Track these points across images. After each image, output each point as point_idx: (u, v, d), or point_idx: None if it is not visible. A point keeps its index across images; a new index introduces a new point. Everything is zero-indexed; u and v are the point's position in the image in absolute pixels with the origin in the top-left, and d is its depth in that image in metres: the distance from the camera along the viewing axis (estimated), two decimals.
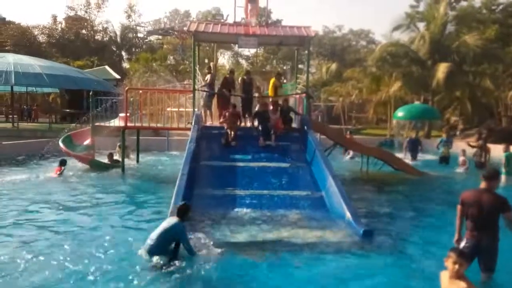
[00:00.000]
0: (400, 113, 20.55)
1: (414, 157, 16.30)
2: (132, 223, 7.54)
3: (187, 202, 6.19)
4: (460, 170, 14.17)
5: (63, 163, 12.36)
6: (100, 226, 7.33)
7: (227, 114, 11.15)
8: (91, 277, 5.13)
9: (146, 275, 5.24)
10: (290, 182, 9.25)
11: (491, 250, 5.02)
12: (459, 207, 5.20)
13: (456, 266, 3.92)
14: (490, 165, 13.05)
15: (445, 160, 15.55)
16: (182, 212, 5.90)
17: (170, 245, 5.71)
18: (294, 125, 12.07)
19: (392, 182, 12.39)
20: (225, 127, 11.08)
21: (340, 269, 5.57)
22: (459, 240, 5.15)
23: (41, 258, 5.73)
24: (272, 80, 12.97)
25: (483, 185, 5.09)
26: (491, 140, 15.23)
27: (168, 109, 13.28)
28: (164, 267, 5.42)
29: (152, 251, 5.60)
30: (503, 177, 10.89)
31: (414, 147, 16.62)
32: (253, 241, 6.49)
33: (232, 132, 10.84)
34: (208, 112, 12.72)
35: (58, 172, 12.05)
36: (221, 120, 11.39)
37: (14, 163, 14.19)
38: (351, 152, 16.55)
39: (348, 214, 7.37)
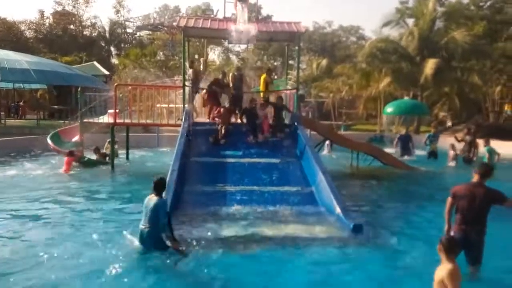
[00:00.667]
0: (389, 108, 20.68)
1: (405, 154, 16.06)
2: (122, 220, 7.50)
3: (162, 176, 5.99)
4: (451, 164, 14.46)
5: (71, 153, 12.36)
6: (89, 223, 7.29)
7: (222, 110, 11.05)
8: (80, 272, 5.11)
9: (135, 270, 5.24)
10: (280, 178, 9.26)
11: (479, 244, 5.11)
12: (449, 199, 5.27)
13: (447, 255, 4.03)
14: (477, 160, 13.27)
15: (434, 155, 15.74)
16: (159, 187, 5.76)
17: (164, 224, 5.65)
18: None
19: (381, 177, 12.50)
20: (218, 123, 10.97)
21: (329, 263, 5.62)
22: (449, 230, 5.23)
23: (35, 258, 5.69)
24: (263, 76, 12.96)
25: (476, 179, 5.18)
26: (479, 135, 15.40)
27: (158, 105, 13.20)
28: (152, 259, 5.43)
29: (150, 235, 5.60)
30: None
31: (405, 143, 16.42)
32: (243, 237, 6.50)
33: (223, 130, 10.68)
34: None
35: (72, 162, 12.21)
36: (215, 114, 11.21)
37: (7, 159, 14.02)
38: (325, 149, 16.81)
39: (338, 209, 7.42)
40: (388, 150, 15.12)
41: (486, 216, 5.11)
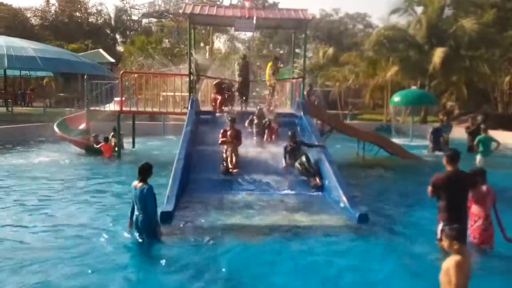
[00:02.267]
0: (396, 98, 20.55)
1: (437, 148, 14.42)
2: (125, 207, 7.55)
3: (148, 161, 5.76)
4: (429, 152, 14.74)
5: (106, 139, 12.85)
6: (96, 210, 7.36)
7: (228, 133, 9.39)
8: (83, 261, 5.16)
9: (137, 259, 5.32)
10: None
11: (466, 228, 5.32)
12: (430, 188, 5.40)
13: (450, 246, 3.96)
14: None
15: (446, 145, 15.55)
16: (144, 172, 5.58)
17: (153, 211, 5.59)
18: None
19: (388, 167, 12.43)
20: (224, 149, 9.34)
21: (335, 252, 5.63)
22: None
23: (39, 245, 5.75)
24: (269, 64, 12.87)
25: (451, 167, 5.34)
26: (486, 125, 15.22)
27: (164, 93, 13.18)
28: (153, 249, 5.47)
29: (143, 222, 5.59)
30: (478, 158, 11.44)
31: (437, 137, 14.85)
32: (248, 225, 6.53)
33: (234, 157, 9.07)
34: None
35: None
36: (221, 139, 9.48)
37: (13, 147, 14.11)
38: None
39: (344, 199, 7.42)
40: (396, 140, 15.03)
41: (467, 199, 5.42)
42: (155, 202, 5.63)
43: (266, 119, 10.57)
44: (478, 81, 27.90)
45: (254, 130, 10.35)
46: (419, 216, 7.46)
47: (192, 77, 11.83)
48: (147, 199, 5.49)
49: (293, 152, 9.00)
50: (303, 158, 8.81)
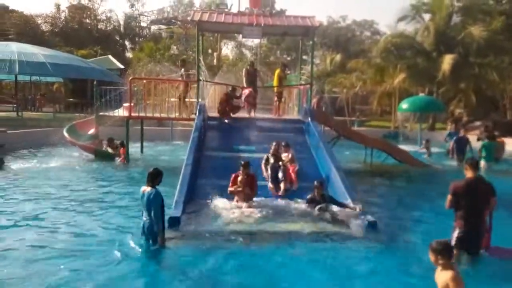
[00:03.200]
0: (404, 105, 20.50)
1: (461, 159, 12.63)
2: (135, 213, 7.60)
3: (157, 167, 5.80)
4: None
5: (122, 144, 13.01)
6: (103, 216, 7.41)
7: (238, 178, 7.78)
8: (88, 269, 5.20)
9: (141, 265, 5.36)
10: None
11: (481, 235, 5.36)
12: (449, 197, 5.33)
13: (439, 260, 3.96)
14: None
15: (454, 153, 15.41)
16: (153, 177, 5.63)
17: (156, 216, 5.56)
18: None
19: (395, 174, 12.39)
20: (234, 195, 7.77)
21: (342, 259, 5.61)
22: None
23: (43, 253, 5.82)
24: (277, 71, 12.96)
25: (472, 173, 5.32)
26: (497, 133, 15.12)
27: (172, 99, 13.29)
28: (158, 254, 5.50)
29: (149, 227, 5.61)
30: (482, 163, 11.49)
31: (461, 146, 13.76)
32: (255, 231, 6.53)
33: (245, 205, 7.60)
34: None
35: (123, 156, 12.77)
36: (230, 187, 7.84)
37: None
38: None
39: (351, 206, 7.40)
40: (403, 146, 14.97)
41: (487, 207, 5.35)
42: (162, 209, 5.63)
43: (283, 161, 8.88)
44: (486, 89, 27.74)
45: (269, 173, 8.63)
46: (428, 223, 7.43)
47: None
48: (152, 204, 5.51)
49: (317, 204, 7.50)
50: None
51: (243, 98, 12.26)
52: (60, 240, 6.10)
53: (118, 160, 12.98)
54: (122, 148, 13.09)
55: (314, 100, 14.93)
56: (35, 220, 7.04)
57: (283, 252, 5.79)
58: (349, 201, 7.55)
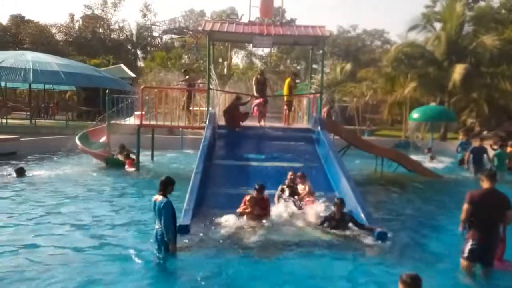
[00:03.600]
0: (415, 114, 20.34)
1: (478, 170, 12.28)
2: (146, 220, 7.64)
3: (169, 176, 5.87)
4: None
5: (128, 156, 13.15)
6: (114, 222, 7.46)
7: (247, 199, 7.32)
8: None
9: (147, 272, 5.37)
10: None
11: (495, 247, 5.27)
12: (467, 206, 5.18)
13: None
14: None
15: (465, 163, 15.21)
16: (164, 186, 5.68)
17: (166, 225, 5.59)
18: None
19: (406, 184, 12.27)
20: (244, 215, 7.23)
21: (352, 270, 5.56)
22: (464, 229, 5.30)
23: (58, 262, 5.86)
24: (288, 80, 13.00)
25: (488, 184, 5.20)
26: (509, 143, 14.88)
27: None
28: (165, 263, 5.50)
29: (161, 235, 5.63)
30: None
31: (479, 157, 13.35)
32: (264, 241, 6.49)
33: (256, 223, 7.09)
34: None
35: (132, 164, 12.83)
36: (241, 207, 7.34)
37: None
38: None
39: (362, 216, 7.33)
40: (414, 157, 14.82)
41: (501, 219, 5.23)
42: (173, 218, 5.65)
43: (299, 194, 8.11)
44: (499, 98, 27.40)
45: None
46: (440, 234, 7.33)
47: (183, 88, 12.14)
48: (163, 212, 5.53)
49: (336, 224, 7.00)
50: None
51: (253, 106, 12.30)
52: (75, 247, 6.17)
53: (126, 168, 13.04)
54: (128, 160, 13.16)
55: (325, 109, 14.93)
56: (51, 228, 7.13)
57: (291, 261, 5.75)
58: (368, 224, 7.04)
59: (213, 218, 7.38)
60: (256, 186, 7.39)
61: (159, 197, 5.68)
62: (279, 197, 8.02)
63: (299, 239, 6.60)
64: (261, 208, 7.23)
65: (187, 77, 14.25)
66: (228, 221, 7.12)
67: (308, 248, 6.26)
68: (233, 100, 12.03)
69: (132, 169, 12.86)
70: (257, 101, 12.30)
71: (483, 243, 5.14)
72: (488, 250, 5.20)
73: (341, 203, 7.09)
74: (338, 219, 6.99)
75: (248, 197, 7.28)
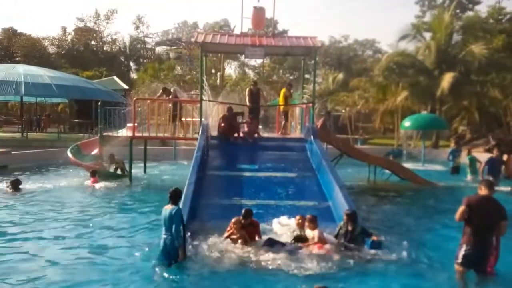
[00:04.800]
0: (407, 123, 20.51)
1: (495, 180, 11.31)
2: (139, 233, 7.58)
3: (177, 187, 6.17)
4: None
5: (94, 173, 12.41)
6: (108, 236, 7.39)
7: (232, 221, 6.83)
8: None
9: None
10: (296, 192, 9.23)
11: (488, 255, 5.28)
12: (463, 208, 5.19)
13: None
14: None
15: (457, 170, 15.33)
16: (174, 197, 5.98)
17: (177, 231, 5.75)
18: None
19: (399, 192, 12.31)
20: (233, 240, 6.67)
21: (346, 279, 5.53)
22: None
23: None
24: (283, 91, 13.13)
25: (486, 192, 5.24)
26: (502, 150, 15.00)
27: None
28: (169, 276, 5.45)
29: (171, 243, 5.74)
30: (469, 177, 12.85)
31: (496, 168, 12.48)
32: (256, 252, 6.40)
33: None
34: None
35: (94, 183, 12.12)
36: (227, 232, 6.82)
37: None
38: None
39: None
40: (406, 164, 14.92)
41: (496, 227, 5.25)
42: (182, 225, 5.83)
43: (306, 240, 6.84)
44: (489, 106, 27.75)
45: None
46: (433, 243, 7.33)
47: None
48: (174, 219, 5.72)
49: (346, 235, 6.67)
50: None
51: (241, 131, 12.00)
52: (79, 257, 6.22)
53: (90, 183, 12.15)
54: (93, 178, 12.23)
55: (320, 120, 15.03)
56: (53, 239, 7.14)
57: (282, 275, 5.70)
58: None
59: (207, 229, 7.33)
60: (243, 211, 6.87)
61: (169, 206, 5.89)
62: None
63: (293, 249, 6.54)
64: (248, 233, 6.70)
65: (164, 95, 13.71)
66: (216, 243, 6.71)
67: (301, 257, 6.21)
68: (229, 110, 12.03)
69: (94, 185, 12.00)
70: (245, 126, 12.14)
71: (477, 249, 5.15)
72: (482, 257, 5.21)
73: (353, 215, 6.72)
74: (346, 232, 6.62)
75: (233, 220, 6.79)
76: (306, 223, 6.92)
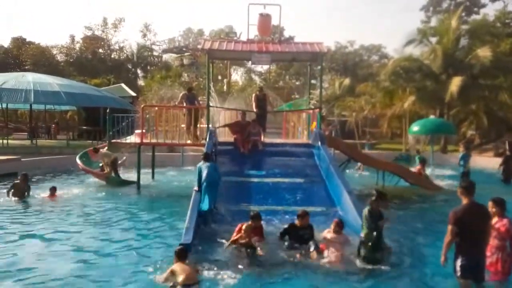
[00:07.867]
0: (415, 127, 20.36)
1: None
2: (148, 239, 7.60)
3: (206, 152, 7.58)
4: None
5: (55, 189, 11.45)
6: (116, 243, 7.41)
7: (243, 228, 6.64)
8: None
9: None
10: (304, 198, 9.22)
11: (485, 262, 5.07)
12: (451, 227, 4.88)
13: None
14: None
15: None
16: (208, 157, 8.08)
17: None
18: None
19: (408, 197, 12.22)
20: (238, 245, 6.61)
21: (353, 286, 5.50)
22: (445, 261, 5.01)
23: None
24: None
25: (468, 199, 4.96)
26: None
27: (183, 125, 13.43)
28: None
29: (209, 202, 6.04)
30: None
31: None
32: (264, 259, 6.40)
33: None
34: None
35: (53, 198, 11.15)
36: (234, 236, 6.73)
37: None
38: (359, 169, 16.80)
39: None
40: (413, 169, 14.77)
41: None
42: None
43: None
44: (498, 110, 27.55)
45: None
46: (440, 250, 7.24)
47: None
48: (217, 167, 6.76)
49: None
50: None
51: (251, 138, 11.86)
52: (88, 263, 6.21)
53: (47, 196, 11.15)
54: (52, 195, 11.15)
55: (326, 128, 15.04)
56: (65, 246, 7.15)
57: (291, 281, 5.68)
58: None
59: (215, 235, 7.33)
60: (251, 213, 7.07)
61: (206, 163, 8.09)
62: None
63: (302, 255, 6.52)
64: (255, 236, 6.81)
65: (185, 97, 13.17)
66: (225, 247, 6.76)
67: (309, 265, 6.18)
68: (243, 116, 12.06)
69: (50, 200, 11.05)
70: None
71: (473, 257, 4.90)
72: (479, 265, 4.96)
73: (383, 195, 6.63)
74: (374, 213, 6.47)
75: (244, 225, 6.67)
76: (332, 226, 6.85)
